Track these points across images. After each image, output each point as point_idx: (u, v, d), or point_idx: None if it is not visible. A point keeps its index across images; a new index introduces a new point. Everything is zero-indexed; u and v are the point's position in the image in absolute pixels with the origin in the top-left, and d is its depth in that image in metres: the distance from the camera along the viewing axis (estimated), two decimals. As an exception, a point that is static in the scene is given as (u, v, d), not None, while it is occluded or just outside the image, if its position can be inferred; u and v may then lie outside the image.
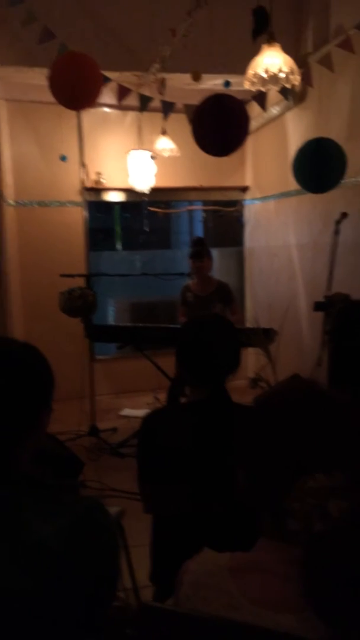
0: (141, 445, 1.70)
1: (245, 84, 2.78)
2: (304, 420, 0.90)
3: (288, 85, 2.78)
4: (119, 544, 1.01)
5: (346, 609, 0.78)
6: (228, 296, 4.49)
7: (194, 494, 1.54)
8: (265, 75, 2.66)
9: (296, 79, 2.72)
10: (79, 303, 4.11)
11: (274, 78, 2.69)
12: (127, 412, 5.23)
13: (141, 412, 5.05)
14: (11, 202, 5.23)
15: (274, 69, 2.63)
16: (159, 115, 4.04)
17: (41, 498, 0.96)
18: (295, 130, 4.86)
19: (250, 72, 2.71)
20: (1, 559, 0.87)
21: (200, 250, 4.45)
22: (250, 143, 5.77)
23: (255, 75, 2.69)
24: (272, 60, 2.65)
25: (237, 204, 6.20)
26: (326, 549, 0.79)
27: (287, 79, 2.69)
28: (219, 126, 3.12)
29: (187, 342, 1.72)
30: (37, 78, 3.92)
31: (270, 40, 2.69)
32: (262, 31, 2.71)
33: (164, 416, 1.77)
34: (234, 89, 3.96)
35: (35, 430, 1.03)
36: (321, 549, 0.79)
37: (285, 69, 2.64)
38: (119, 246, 6.32)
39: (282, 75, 2.66)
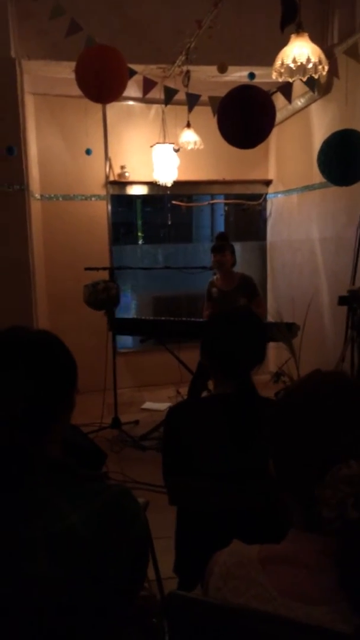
0: (166, 438, 1.70)
1: (273, 75, 2.75)
2: (334, 409, 0.89)
3: (316, 76, 2.75)
4: (148, 531, 1.01)
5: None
6: (252, 290, 4.48)
7: (222, 488, 1.53)
8: (293, 66, 2.63)
9: (324, 69, 2.68)
10: (103, 296, 4.14)
11: (301, 68, 2.66)
12: (149, 405, 5.25)
13: (163, 406, 5.07)
14: (37, 195, 5.27)
15: (302, 59, 2.60)
16: (184, 108, 4.03)
17: (71, 485, 0.96)
18: (320, 122, 4.80)
19: (277, 62, 2.68)
20: (32, 547, 0.87)
21: (222, 244, 4.44)
22: (274, 136, 5.71)
23: (283, 65, 2.66)
24: (300, 50, 2.61)
25: (260, 198, 6.15)
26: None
27: (315, 68, 2.65)
28: (245, 118, 3.09)
29: (215, 335, 1.71)
30: (64, 72, 3.95)
31: (299, 30, 2.66)
32: (291, 21, 2.68)
33: (189, 409, 1.76)
34: (258, 80, 3.93)
35: (65, 414, 1.03)
36: (357, 537, 0.78)
37: (314, 58, 2.61)
38: (140, 240, 6.33)
39: (310, 65, 2.62)
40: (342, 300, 3.54)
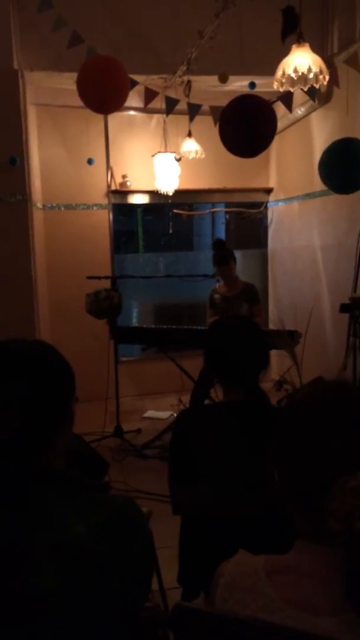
0: (174, 441, 1.69)
1: (275, 85, 2.77)
2: (338, 419, 0.89)
3: (317, 85, 2.77)
4: (153, 542, 1.01)
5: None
6: (254, 296, 4.49)
7: (227, 496, 1.53)
8: (294, 76, 2.65)
9: (325, 79, 2.70)
10: (105, 305, 4.14)
11: (302, 78, 2.68)
12: (150, 413, 5.23)
13: (165, 414, 5.06)
14: (39, 205, 5.29)
15: (303, 69, 2.62)
16: (185, 118, 4.06)
17: (76, 496, 0.96)
18: (320, 131, 4.82)
19: (279, 72, 2.70)
20: (37, 558, 0.86)
21: (225, 256, 4.43)
22: (274, 144, 5.73)
23: (284, 75, 2.68)
24: (301, 60, 2.64)
25: (260, 206, 6.17)
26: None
27: (316, 78, 2.67)
28: (247, 127, 3.10)
29: (216, 345, 1.72)
30: (66, 83, 3.97)
31: (300, 40, 2.68)
32: (292, 31, 2.70)
33: (198, 415, 1.76)
34: (259, 90, 3.96)
35: (65, 424, 1.03)
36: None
37: (315, 68, 2.63)
38: (141, 248, 6.35)
39: (312, 75, 2.64)
40: (343, 308, 3.54)
